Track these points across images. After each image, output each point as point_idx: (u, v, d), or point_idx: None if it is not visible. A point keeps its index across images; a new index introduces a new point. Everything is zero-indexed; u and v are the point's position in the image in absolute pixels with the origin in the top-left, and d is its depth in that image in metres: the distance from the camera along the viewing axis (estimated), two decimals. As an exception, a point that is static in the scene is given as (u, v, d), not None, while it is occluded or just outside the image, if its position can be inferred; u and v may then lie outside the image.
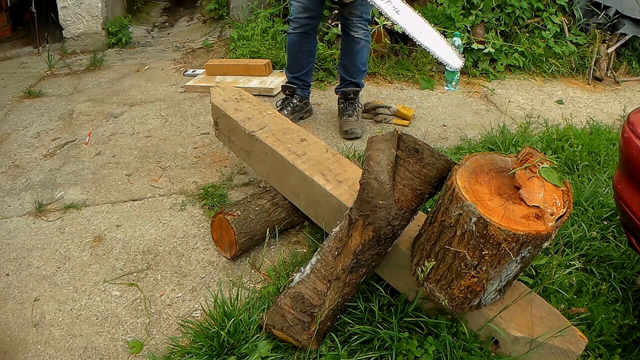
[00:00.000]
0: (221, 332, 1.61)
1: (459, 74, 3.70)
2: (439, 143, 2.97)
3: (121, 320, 1.88)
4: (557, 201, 1.39)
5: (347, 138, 2.97)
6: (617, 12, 3.99)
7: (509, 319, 1.56)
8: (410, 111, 3.18)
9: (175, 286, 2.02)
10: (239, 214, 2.06)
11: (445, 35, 3.81)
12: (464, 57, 3.53)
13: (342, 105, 3.07)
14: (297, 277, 1.67)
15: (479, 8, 3.93)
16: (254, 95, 2.71)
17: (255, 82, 3.61)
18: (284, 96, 3.14)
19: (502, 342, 1.57)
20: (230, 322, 1.63)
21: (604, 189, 2.38)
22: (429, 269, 1.48)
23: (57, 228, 2.36)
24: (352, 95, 3.02)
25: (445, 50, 2.53)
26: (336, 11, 3.77)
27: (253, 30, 4.18)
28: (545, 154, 1.65)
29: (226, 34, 4.68)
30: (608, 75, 4.02)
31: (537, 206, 1.37)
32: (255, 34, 4.15)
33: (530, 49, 3.97)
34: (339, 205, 1.83)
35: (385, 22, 3.78)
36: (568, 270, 1.89)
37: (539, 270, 1.89)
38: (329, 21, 4.02)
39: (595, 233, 2.11)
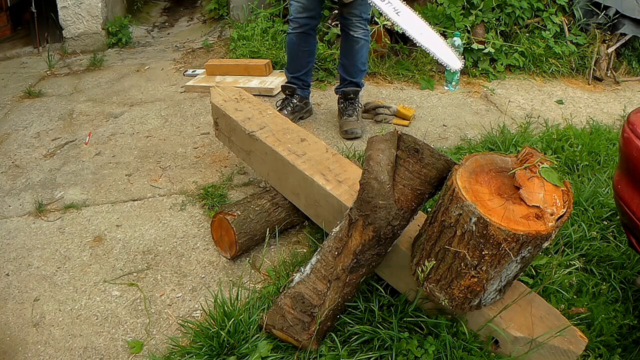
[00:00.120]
0: (221, 332, 1.61)
1: (459, 74, 3.70)
2: (439, 143, 2.97)
3: (121, 320, 1.89)
4: (557, 201, 1.39)
5: (347, 138, 2.97)
6: (617, 12, 3.99)
7: (509, 319, 1.56)
8: (410, 111, 3.18)
9: (175, 286, 2.02)
10: (239, 214, 2.06)
11: (445, 36, 3.82)
12: (464, 58, 3.53)
13: (342, 105, 3.07)
14: (297, 277, 1.67)
15: (479, 8, 3.93)
16: (254, 95, 2.71)
17: (255, 82, 3.61)
18: (284, 96, 3.14)
19: (502, 342, 1.57)
20: (230, 322, 1.63)
21: (604, 189, 2.38)
22: (429, 269, 1.48)
23: (57, 228, 2.36)
24: (352, 95, 3.02)
25: (445, 52, 2.53)
26: (336, 11, 3.77)
27: (253, 30, 4.19)
28: (545, 154, 1.65)
29: (226, 34, 4.68)
30: (608, 75, 4.02)
31: (537, 206, 1.37)
32: (255, 34, 4.15)
33: (530, 49, 3.97)
34: (339, 205, 1.83)
35: (385, 22, 3.78)
36: (568, 270, 1.89)
37: (539, 270, 1.89)
38: (329, 21, 4.02)
39: (595, 233, 2.11)
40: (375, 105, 3.21)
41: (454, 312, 1.60)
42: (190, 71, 4.00)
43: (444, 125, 3.21)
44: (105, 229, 2.34)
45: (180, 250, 2.19)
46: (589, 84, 3.94)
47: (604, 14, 4.02)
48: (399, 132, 1.60)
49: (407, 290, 1.68)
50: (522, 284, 1.69)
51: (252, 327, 1.67)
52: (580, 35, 4.05)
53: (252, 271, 2.06)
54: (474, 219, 1.32)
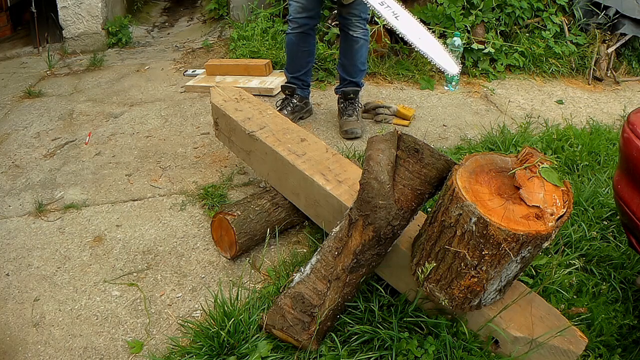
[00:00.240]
0: (221, 332, 1.61)
1: (459, 74, 3.70)
2: (439, 143, 2.97)
3: (121, 320, 1.88)
4: (557, 201, 1.39)
5: (347, 138, 2.97)
6: (617, 12, 3.99)
7: (509, 319, 1.56)
8: (410, 111, 3.18)
9: (175, 286, 2.02)
10: (239, 214, 2.06)
11: (445, 36, 3.82)
12: (464, 58, 3.52)
13: (342, 105, 3.07)
14: (297, 277, 1.67)
15: (479, 8, 3.93)
16: (254, 95, 2.71)
17: (255, 82, 3.61)
18: (284, 96, 3.14)
19: (502, 342, 1.57)
20: (230, 322, 1.63)
21: (604, 189, 2.38)
22: (429, 269, 1.48)
23: (57, 228, 2.36)
24: (352, 95, 3.02)
25: (443, 57, 2.53)
26: (335, 11, 3.77)
27: (253, 30, 4.19)
28: (545, 154, 1.65)
29: (226, 34, 4.68)
30: (608, 75, 4.02)
31: (537, 206, 1.37)
32: (255, 34, 4.15)
33: (530, 49, 3.97)
34: (339, 205, 1.83)
35: (385, 22, 3.78)
36: (568, 270, 1.89)
37: (539, 270, 1.89)
38: (329, 21, 4.02)
39: (595, 233, 2.11)
40: (375, 105, 3.21)
41: (454, 312, 1.60)
42: (190, 71, 4.00)
43: (444, 125, 3.21)
44: (105, 229, 2.34)
45: (180, 250, 2.19)
46: (589, 84, 3.94)
47: (604, 14, 4.03)
48: (399, 132, 1.60)
49: (407, 290, 1.68)
50: (522, 284, 1.69)
51: (252, 327, 1.67)
52: (580, 35, 4.05)
53: (252, 271, 2.06)
54: (474, 219, 1.32)
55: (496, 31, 3.99)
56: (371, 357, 1.57)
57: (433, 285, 1.49)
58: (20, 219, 2.43)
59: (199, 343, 1.65)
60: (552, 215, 1.36)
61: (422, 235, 1.54)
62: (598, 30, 4.03)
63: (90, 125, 3.25)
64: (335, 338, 1.63)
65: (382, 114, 3.17)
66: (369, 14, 2.88)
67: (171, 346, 1.72)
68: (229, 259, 2.12)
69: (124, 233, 2.31)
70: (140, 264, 2.13)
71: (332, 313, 1.62)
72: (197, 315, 1.88)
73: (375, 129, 3.09)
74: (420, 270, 1.51)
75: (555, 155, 2.63)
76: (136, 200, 2.53)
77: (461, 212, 1.34)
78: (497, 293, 1.50)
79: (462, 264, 1.40)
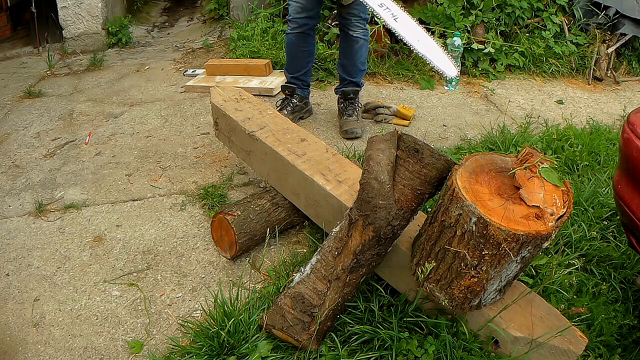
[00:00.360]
0: (221, 332, 1.61)
1: (458, 76, 3.70)
2: (439, 143, 2.97)
3: (121, 320, 1.88)
4: (557, 201, 1.39)
5: (347, 138, 2.97)
6: (617, 12, 3.99)
7: (509, 319, 1.56)
8: (410, 111, 3.18)
9: (175, 286, 2.02)
10: (239, 214, 2.06)
11: (445, 36, 3.82)
12: (464, 58, 3.51)
13: (342, 105, 3.07)
14: (297, 277, 1.67)
15: (479, 8, 3.93)
16: (254, 95, 2.71)
17: (255, 82, 3.61)
18: (284, 96, 3.14)
19: (502, 342, 1.57)
20: (230, 322, 1.63)
21: (604, 189, 2.38)
22: (429, 269, 1.48)
23: (57, 228, 2.36)
24: (352, 95, 3.02)
25: (442, 59, 2.52)
26: (335, 11, 3.77)
27: (253, 30, 4.19)
28: (545, 154, 1.65)
29: (226, 34, 4.68)
30: (608, 75, 4.02)
31: (537, 206, 1.37)
32: (255, 34, 4.15)
33: (530, 49, 3.97)
34: (339, 205, 1.83)
35: (384, 23, 3.78)
36: (568, 270, 1.89)
37: (539, 270, 1.89)
38: (329, 21, 4.02)
39: (595, 233, 2.11)
40: (375, 105, 3.21)
41: (454, 312, 1.60)
42: (190, 71, 4.00)
43: (444, 125, 3.21)
44: (105, 229, 2.34)
45: (180, 250, 2.19)
46: (589, 84, 3.94)
47: (604, 14, 4.02)
48: (399, 132, 1.60)
49: (407, 290, 1.68)
50: (522, 284, 1.69)
51: (252, 327, 1.67)
52: (580, 35, 4.05)
53: (252, 271, 2.06)
54: (474, 219, 1.32)
55: (496, 31, 3.99)
56: (371, 357, 1.57)
57: (433, 285, 1.49)
58: (20, 219, 2.43)
59: (199, 343, 1.65)
60: (552, 215, 1.36)
61: (422, 235, 1.54)
62: (598, 30, 4.03)
63: (90, 125, 3.25)
64: (335, 338, 1.63)
65: (382, 114, 3.17)
66: (368, 14, 2.88)
67: (171, 346, 1.72)
68: (229, 259, 2.12)
69: (124, 233, 2.31)
70: (140, 264, 2.13)
71: (332, 313, 1.62)
72: (197, 315, 1.88)
73: (375, 129, 3.09)
74: (420, 270, 1.51)
75: (555, 155, 2.63)
76: (136, 200, 2.53)
77: (461, 212, 1.34)
78: (497, 293, 1.50)
79: (462, 264, 1.40)
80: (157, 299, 1.97)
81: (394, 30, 2.50)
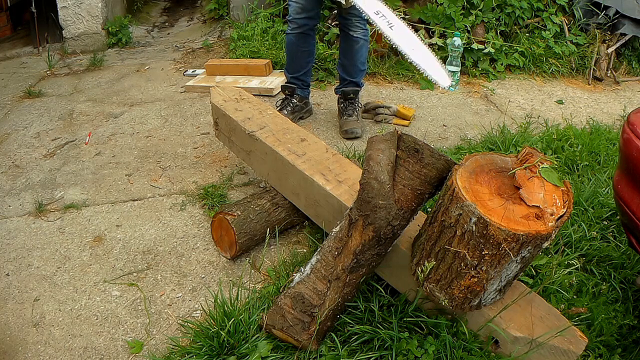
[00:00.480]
0: (221, 332, 1.61)
1: (459, 74, 3.70)
2: (439, 143, 2.97)
3: (121, 320, 1.88)
4: (557, 201, 1.39)
5: (347, 138, 2.98)
6: (617, 12, 3.99)
7: (509, 319, 1.56)
8: (410, 111, 3.18)
9: (175, 286, 2.02)
10: (239, 214, 2.06)
11: (445, 36, 3.82)
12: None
13: (342, 105, 3.07)
14: (297, 277, 1.67)
15: (479, 8, 3.93)
16: (254, 95, 2.71)
17: (255, 82, 3.61)
18: (284, 96, 3.14)
19: (502, 342, 1.57)
20: (230, 322, 1.63)
21: (604, 189, 2.38)
22: (429, 269, 1.48)
23: (57, 228, 2.36)
24: (352, 95, 3.02)
25: (436, 69, 2.51)
26: (335, 11, 3.77)
27: (253, 30, 4.19)
28: (545, 154, 1.65)
29: (226, 34, 4.68)
30: (608, 75, 4.02)
31: (537, 206, 1.37)
32: (255, 34, 4.15)
33: (530, 49, 3.97)
34: (339, 205, 1.83)
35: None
36: (568, 270, 1.89)
37: (539, 270, 1.89)
38: (329, 21, 4.02)
39: (595, 233, 2.11)
40: (375, 105, 3.21)
41: (454, 312, 1.60)
42: (190, 71, 4.00)
43: (444, 125, 3.21)
44: (105, 229, 2.34)
45: (180, 250, 2.19)
46: (589, 84, 3.94)
47: (604, 14, 4.02)
48: (399, 132, 1.60)
49: (407, 290, 1.68)
50: (522, 284, 1.69)
51: (252, 327, 1.67)
52: (580, 35, 4.05)
53: (252, 271, 2.06)
54: (474, 219, 1.32)
55: (496, 31, 3.99)
56: (371, 357, 1.57)
57: (433, 285, 1.49)
58: (20, 219, 2.43)
59: (199, 343, 1.65)
60: (552, 215, 1.36)
61: (422, 235, 1.54)
62: (598, 30, 4.03)
63: (90, 125, 3.25)
64: (335, 338, 1.63)
65: (382, 114, 3.17)
66: (369, 15, 2.88)
67: (171, 346, 1.72)
68: (229, 259, 2.12)
69: (124, 233, 2.31)
70: (140, 264, 2.13)
71: (332, 313, 1.62)
72: (197, 315, 1.88)
73: (375, 129, 3.09)
74: (420, 270, 1.51)
75: (555, 155, 2.63)
76: (136, 200, 2.53)
77: (461, 212, 1.34)
78: (497, 293, 1.50)
79: (462, 264, 1.40)
80: (157, 299, 1.97)
81: (388, 38, 2.50)
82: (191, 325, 1.74)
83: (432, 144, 2.66)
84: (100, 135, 3.12)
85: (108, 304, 1.95)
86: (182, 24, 5.54)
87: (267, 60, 3.73)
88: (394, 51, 3.94)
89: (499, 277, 1.42)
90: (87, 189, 2.62)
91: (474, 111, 3.41)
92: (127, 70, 4.13)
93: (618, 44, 4.03)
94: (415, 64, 2.50)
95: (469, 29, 3.89)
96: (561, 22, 4.07)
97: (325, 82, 3.69)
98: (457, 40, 3.61)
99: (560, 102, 3.64)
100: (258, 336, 1.65)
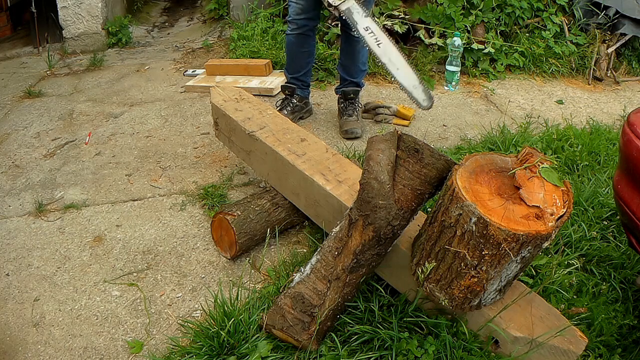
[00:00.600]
0: (221, 332, 1.61)
1: (459, 74, 3.70)
2: (439, 143, 2.97)
3: (121, 320, 1.88)
4: (557, 201, 1.39)
5: (347, 138, 2.98)
6: (617, 12, 3.99)
7: (509, 319, 1.56)
8: (410, 111, 3.18)
9: (175, 286, 2.02)
10: (239, 214, 2.06)
11: (445, 36, 3.81)
12: (433, 99, 3.31)
13: (342, 105, 3.07)
14: (297, 277, 1.67)
15: (479, 8, 3.93)
16: (254, 95, 2.71)
17: (255, 82, 3.61)
18: (284, 96, 3.14)
19: (502, 342, 1.57)
20: (230, 322, 1.63)
21: (604, 189, 2.38)
22: (429, 269, 1.48)
23: (57, 228, 2.36)
24: (352, 95, 3.02)
25: (418, 91, 2.58)
26: (336, 11, 3.77)
27: (253, 30, 4.19)
28: (545, 154, 1.65)
29: (226, 34, 4.68)
30: (608, 75, 4.02)
31: (537, 206, 1.37)
32: (255, 34, 4.15)
33: (530, 49, 3.97)
34: (339, 205, 1.83)
35: (385, 22, 3.78)
36: (568, 270, 1.89)
37: (539, 270, 1.89)
38: (329, 21, 4.02)
39: (595, 233, 2.11)
40: (375, 105, 3.21)
41: (454, 312, 1.60)
42: (190, 71, 4.00)
43: (444, 125, 3.21)
44: (105, 229, 2.34)
45: (180, 250, 2.19)
46: (589, 84, 3.93)
47: (604, 14, 4.02)
48: (399, 132, 1.60)
49: (407, 290, 1.68)
50: (522, 284, 1.69)
51: (252, 327, 1.67)
52: (580, 35, 4.05)
53: (252, 271, 2.06)
54: (474, 219, 1.32)
55: (496, 31, 3.99)
56: (371, 357, 1.57)
57: (433, 285, 1.49)
58: (20, 219, 2.43)
59: (199, 343, 1.65)
60: (552, 215, 1.36)
61: (422, 235, 1.54)
62: (598, 30, 4.03)
63: (90, 125, 3.25)
64: (335, 338, 1.63)
65: (382, 114, 3.17)
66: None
67: (171, 346, 1.72)
68: (229, 259, 2.12)
69: (124, 233, 2.31)
70: (140, 264, 2.13)
71: (332, 313, 1.62)
72: (197, 315, 1.88)
73: (375, 129, 3.09)
74: (420, 270, 1.51)
75: (555, 155, 2.63)
76: (136, 200, 2.53)
77: (461, 212, 1.34)
78: (497, 293, 1.50)
79: (462, 264, 1.40)
80: (157, 299, 1.97)
81: (375, 56, 2.56)
82: (191, 325, 1.74)
83: (432, 144, 2.66)
84: (100, 135, 3.12)
85: (108, 304, 1.95)
86: (182, 24, 5.54)
87: (267, 60, 3.73)
88: (394, 51, 3.94)
89: (499, 277, 1.42)
90: (87, 189, 2.62)
91: (474, 111, 3.41)
92: (127, 70, 4.13)
93: (618, 44, 4.03)
94: (399, 84, 2.58)
95: (469, 29, 3.89)
96: (561, 22, 4.07)
97: (325, 82, 3.69)
98: (457, 40, 3.61)
99: (560, 102, 3.64)
100: (258, 336, 1.65)
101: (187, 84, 3.72)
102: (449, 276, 1.45)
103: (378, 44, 2.53)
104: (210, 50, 4.43)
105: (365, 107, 3.21)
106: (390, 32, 3.86)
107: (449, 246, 1.40)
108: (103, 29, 4.61)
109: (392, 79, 2.60)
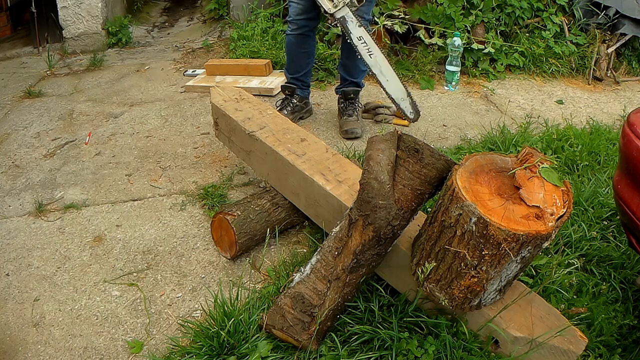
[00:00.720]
0: (221, 332, 1.61)
1: (459, 74, 3.70)
2: (439, 143, 2.97)
3: (121, 320, 1.88)
4: (557, 201, 1.39)
5: (347, 138, 2.97)
6: (617, 12, 3.99)
7: (509, 319, 1.56)
8: (410, 111, 3.18)
9: (175, 286, 2.02)
10: (239, 214, 2.06)
11: (445, 36, 3.81)
12: (420, 113, 3.29)
13: (342, 105, 3.07)
14: (297, 277, 1.67)
15: (479, 8, 3.93)
16: (254, 95, 2.71)
17: (255, 82, 3.61)
18: (284, 96, 3.14)
19: (502, 342, 1.57)
20: (230, 322, 1.63)
21: (604, 189, 2.38)
22: (429, 269, 1.47)
23: (57, 228, 2.36)
24: (352, 95, 3.02)
25: (405, 103, 2.70)
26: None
27: (253, 30, 4.19)
28: (545, 154, 1.65)
29: (226, 34, 4.69)
30: (608, 75, 4.02)
31: (537, 206, 1.37)
32: (255, 34, 4.15)
33: (530, 49, 3.97)
34: (339, 205, 1.83)
35: (385, 22, 3.78)
36: (568, 270, 1.89)
37: (539, 270, 1.89)
38: (329, 21, 4.02)
39: (595, 233, 2.11)
40: (375, 105, 3.21)
41: (454, 312, 1.60)
42: (190, 71, 4.00)
43: (444, 125, 3.21)
44: (105, 229, 2.34)
45: (180, 250, 2.19)
46: (589, 84, 3.94)
47: (604, 14, 4.02)
48: (399, 132, 1.60)
49: (407, 290, 1.68)
50: (522, 284, 1.69)
51: (252, 327, 1.67)
52: (580, 35, 4.05)
53: (252, 271, 2.06)
54: (474, 219, 1.32)
55: (496, 31, 3.99)
56: (371, 357, 1.57)
57: (433, 285, 1.49)
58: (20, 219, 2.43)
59: (199, 343, 1.65)
60: (552, 215, 1.36)
61: (422, 235, 1.54)
62: (598, 30, 4.03)
63: (90, 125, 3.25)
64: (335, 338, 1.63)
65: (382, 114, 3.17)
66: (371, 16, 2.88)
67: (171, 346, 1.72)
68: (229, 259, 2.12)
69: (124, 233, 2.31)
70: (140, 264, 2.13)
71: (332, 313, 1.62)
72: (197, 315, 1.88)
73: (375, 129, 3.09)
74: (420, 270, 1.51)
75: (555, 155, 2.63)
76: (136, 200, 2.53)
77: (461, 212, 1.34)
78: (497, 293, 1.50)
79: (462, 264, 1.40)
80: (157, 299, 1.97)
81: (366, 65, 2.67)
82: (191, 325, 1.74)
83: (432, 144, 2.66)
84: (100, 135, 3.12)
85: (108, 304, 1.95)
86: (182, 24, 5.54)
87: (267, 60, 3.73)
88: (394, 51, 3.94)
89: (499, 277, 1.42)
90: (87, 189, 2.62)
91: (474, 111, 3.41)
92: (127, 70, 4.13)
93: (618, 44, 4.03)
94: (387, 94, 2.69)
95: (469, 29, 3.89)
96: (561, 22, 4.07)
97: (325, 82, 3.69)
98: (457, 40, 3.61)
99: (560, 102, 3.64)
100: (258, 336, 1.65)
101: (187, 84, 3.72)
102: (449, 276, 1.45)
103: (370, 55, 2.63)
104: (210, 50, 4.43)
105: (365, 107, 3.21)
106: (391, 32, 3.87)
107: (449, 246, 1.40)
108: (103, 29, 4.61)
109: (382, 89, 2.69)
